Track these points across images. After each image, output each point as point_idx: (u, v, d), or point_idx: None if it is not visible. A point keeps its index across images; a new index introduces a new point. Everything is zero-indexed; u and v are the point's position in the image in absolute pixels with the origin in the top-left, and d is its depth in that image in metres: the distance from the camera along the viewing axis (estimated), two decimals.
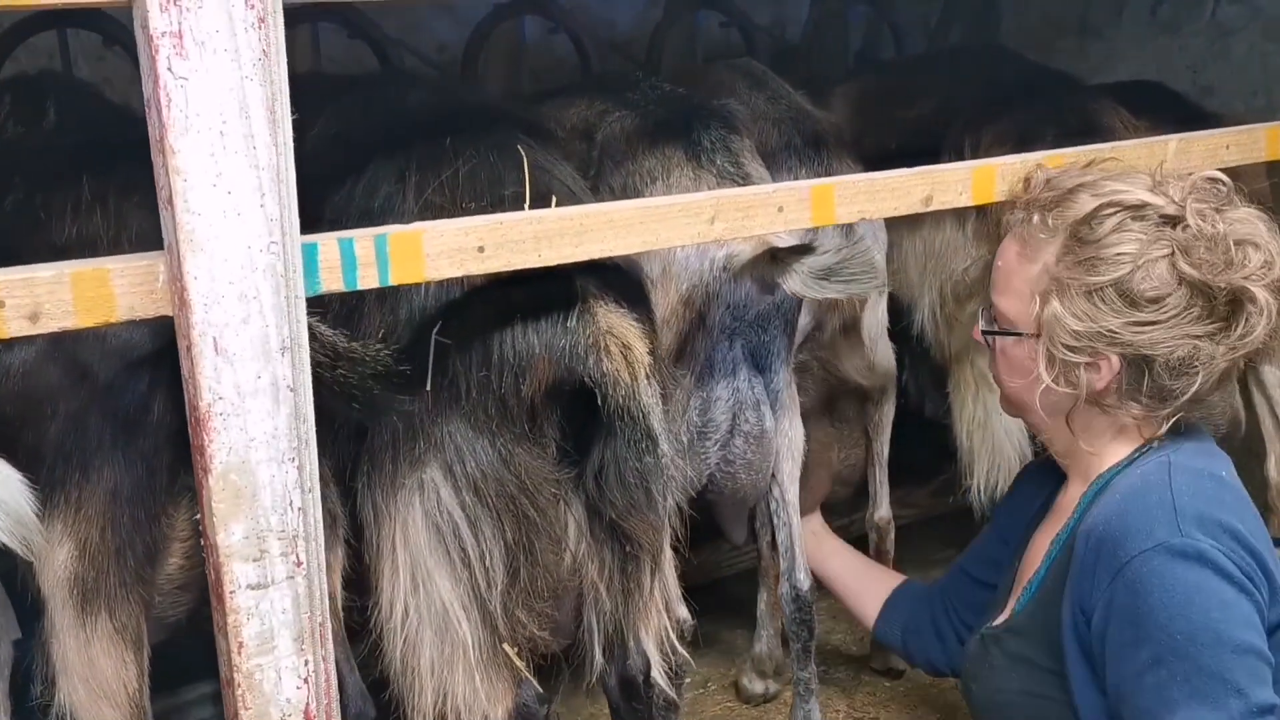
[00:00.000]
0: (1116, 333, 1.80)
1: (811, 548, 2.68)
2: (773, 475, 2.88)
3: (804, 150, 3.06)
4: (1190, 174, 1.93)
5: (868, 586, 2.67)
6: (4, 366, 1.93)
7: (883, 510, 3.57)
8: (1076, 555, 1.90)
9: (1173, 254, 1.77)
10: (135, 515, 1.95)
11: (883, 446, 3.54)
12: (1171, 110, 3.37)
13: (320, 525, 1.72)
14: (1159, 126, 3.03)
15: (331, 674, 1.78)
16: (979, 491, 3.25)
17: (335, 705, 1.79)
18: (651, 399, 2.12)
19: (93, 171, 2.03)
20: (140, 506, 1.95)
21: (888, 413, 3.50)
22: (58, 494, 1.92)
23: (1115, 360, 1.82)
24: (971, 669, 2.23)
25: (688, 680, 3.33)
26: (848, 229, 2.77)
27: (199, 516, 1.69)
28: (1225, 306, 1.78)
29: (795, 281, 2.35)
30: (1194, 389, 1.80)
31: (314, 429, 1.69)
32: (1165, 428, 1.93)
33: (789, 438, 2.86)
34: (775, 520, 2.94)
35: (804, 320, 3.12)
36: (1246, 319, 1.79)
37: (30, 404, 1.93)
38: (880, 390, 3.43)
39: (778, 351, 2.75)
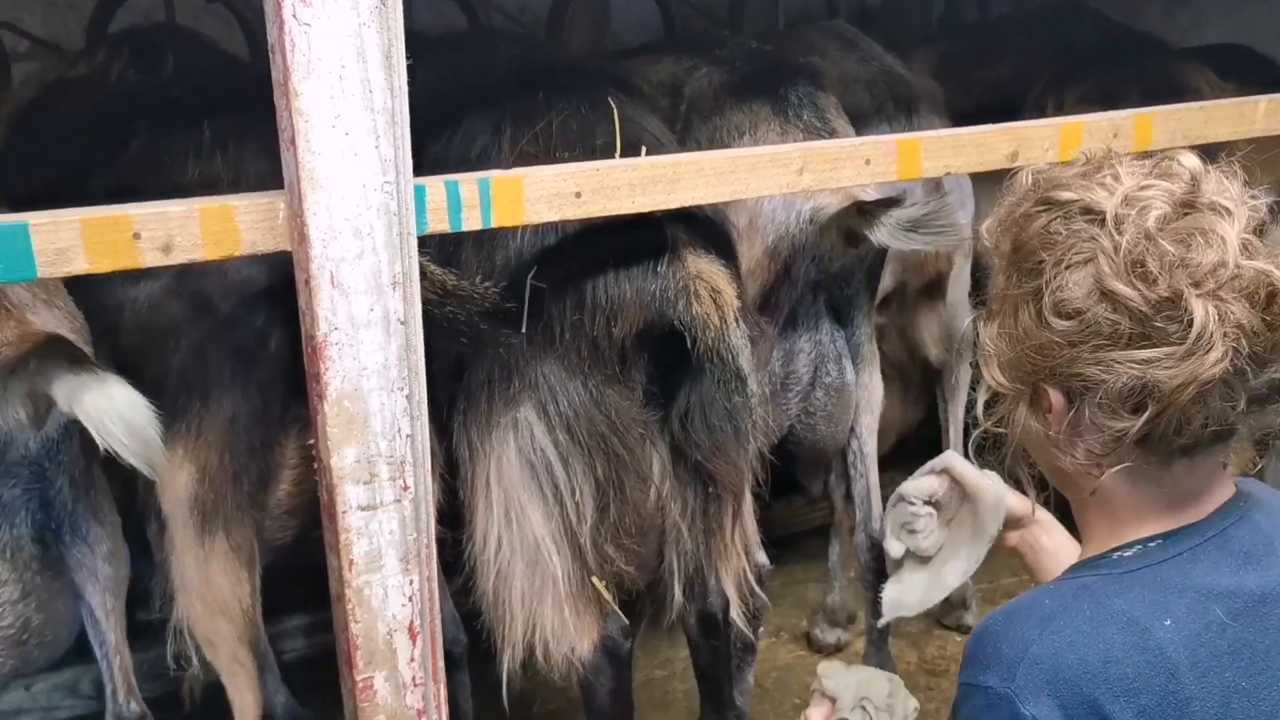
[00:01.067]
0: (1033, 357, 1.48)
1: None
2: (851, 428, 2.94)
3: (895, 114, 3.07)
4: (1169, 156, 1.51)
5: None
6: (131, 300, 2.06)
7: None
8: None
9: (1094, 259, 1.42)
10: (251, 442, 2.07)
11: (958, 409, 3.57)
12: (1260, 73, 3.34)
13: (428, 453, 1.82)
14: (1247, 89, 2.99)
15: (435, 595, 1.87)
16: None
17: (438, 624, 1.88)
18: (741, 340, 2.18)
19: (212, 118, 2.14)
20: (256, 434, 2.08)
21: (964, 376, 3.52)
22: (179, 421, 2.05)
23: (1056, 396, 1.48)
24: None
25: (763, 628, 3.41)
26: (934, 185, 2.80)
27: (312, 441, 1.79)
28: (1168, 323, 1.38)
29: (883, 233, 2.39)
30: (1138, 431, 1.41)
31: (423, 361, 1.78)
32: (1158, 522, 1.49)
33: (868, 391, 2.91)
34: (853, 472, 2.99)
35: (885, 283, 3.15)
36: (1193, 339, 1.37)
37: (155, 336, 2.06)
38: (958, 355, 3.45)
39: (860, 305, 2.80)
